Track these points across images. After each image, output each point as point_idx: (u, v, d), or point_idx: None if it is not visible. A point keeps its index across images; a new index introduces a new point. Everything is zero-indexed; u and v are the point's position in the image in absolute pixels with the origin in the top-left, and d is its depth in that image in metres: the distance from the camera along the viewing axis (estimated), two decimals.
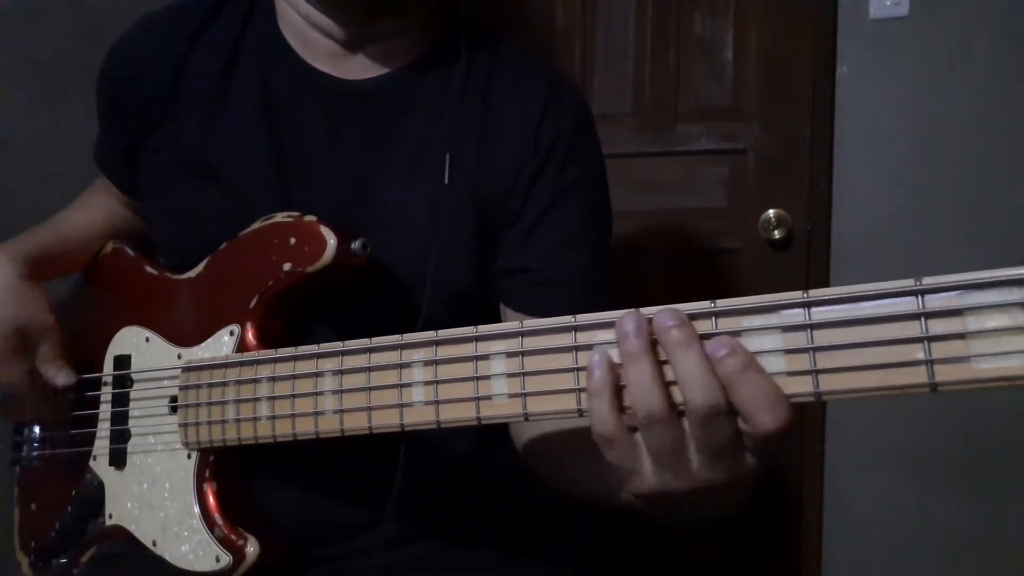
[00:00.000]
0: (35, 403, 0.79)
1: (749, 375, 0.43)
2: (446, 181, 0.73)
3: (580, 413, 0.49)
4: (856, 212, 1.57)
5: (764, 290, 0.44)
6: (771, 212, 1.61)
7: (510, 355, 0.51)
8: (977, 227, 1.49)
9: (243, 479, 0.72)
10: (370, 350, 0.57)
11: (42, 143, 1.30)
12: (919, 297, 0.40)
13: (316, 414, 0.60)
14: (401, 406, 0.56)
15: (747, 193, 1.64)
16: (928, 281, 0.40)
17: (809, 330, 0.43)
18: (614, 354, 0.47)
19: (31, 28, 1.30)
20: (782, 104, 1.61)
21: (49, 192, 0.99)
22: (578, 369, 0.49)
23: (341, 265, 0.67)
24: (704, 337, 0.45)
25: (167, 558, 0.70)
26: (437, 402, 0.54)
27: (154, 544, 0.71)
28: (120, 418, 0.75)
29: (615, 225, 0.83)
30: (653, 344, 0.46)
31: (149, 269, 0.81)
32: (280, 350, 0.63)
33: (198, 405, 0.68)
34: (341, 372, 0.59)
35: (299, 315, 0.72)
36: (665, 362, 0.45)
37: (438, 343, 0.54)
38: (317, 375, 0.60)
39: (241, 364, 0.65)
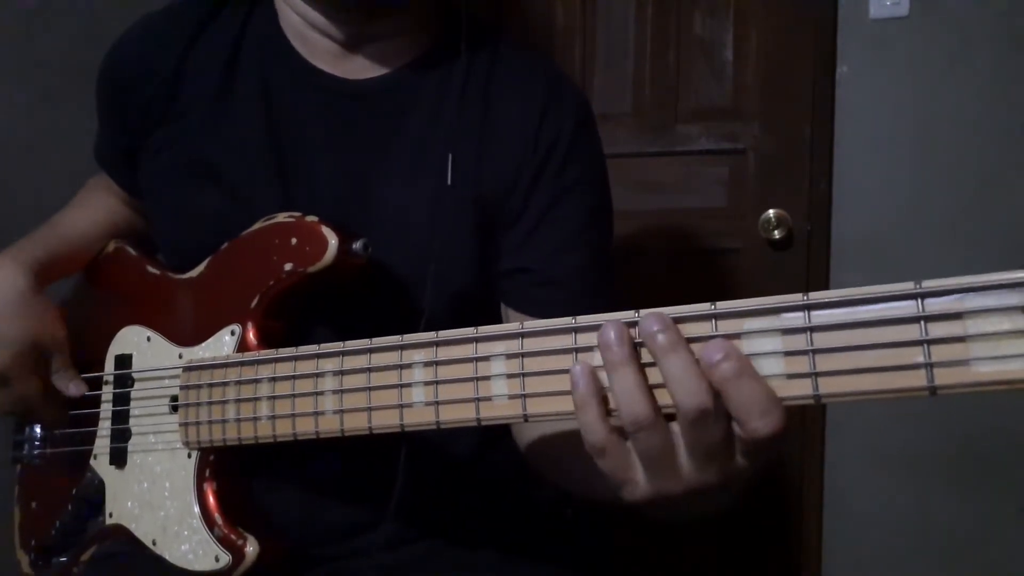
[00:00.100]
0: (47, 411, 0.80)
1: (743, 381, 0.43)
2: (448, 182, 0.73)
3: None
4: (856, 212, 1.57)
5: (764, 290, 0.44)
6: (771, 212, 1.61)
7: (510, 356, 0.51)
8: (977, 227, 1.49)
9: (243, 479, 0.72)
10: (370, 351, 0.58)
11: (42, 143, 1.30)
12: (919, 300, 0.40)
13: (316, 414, 0.60)
14: (401, 407, 0.56)
15: (747, 193, 1.64)
16: (928, 284, 0.40)
17: (809, 333, 0.43)
18: (598, 362, 0.47)
19: (31, 28, 1.30)
20: (782, 104, 1.60)
21: (49, 192, 0.99)
22: None
23: (342, 265, 0.67)
24: (703, 340, 0.45)
25: (167, 557, 0.70)
26: (437, 403, 0.54)
27: (154, 543, 0.71)
28: (121, 417, 0.75)
29: (615, 225, 0.83)
30: (638, 349, 0.46)
31: (151, 269, 0.81)
32: (281, 350, 0.63)
33: (199, 404, 0.68)
34: (341, 372, 0.59)
35: (300, 315, 0.72)
36: (652, 364, 0.45)
37: (438, 344, 0.54)
38: (318, 375, 0.60)
39: (242, 364, 0.65)
